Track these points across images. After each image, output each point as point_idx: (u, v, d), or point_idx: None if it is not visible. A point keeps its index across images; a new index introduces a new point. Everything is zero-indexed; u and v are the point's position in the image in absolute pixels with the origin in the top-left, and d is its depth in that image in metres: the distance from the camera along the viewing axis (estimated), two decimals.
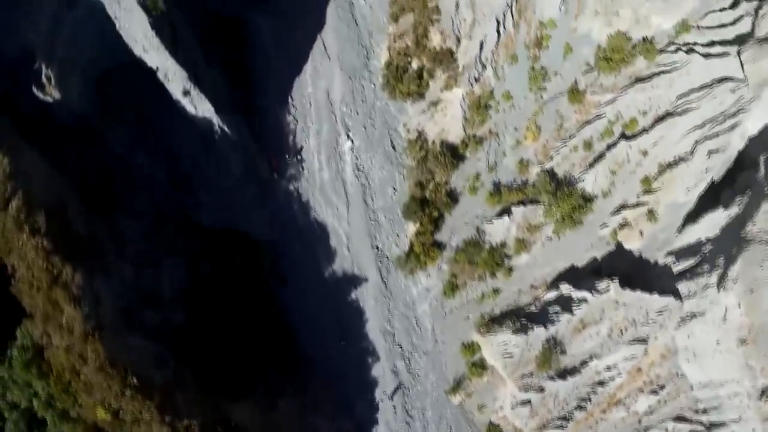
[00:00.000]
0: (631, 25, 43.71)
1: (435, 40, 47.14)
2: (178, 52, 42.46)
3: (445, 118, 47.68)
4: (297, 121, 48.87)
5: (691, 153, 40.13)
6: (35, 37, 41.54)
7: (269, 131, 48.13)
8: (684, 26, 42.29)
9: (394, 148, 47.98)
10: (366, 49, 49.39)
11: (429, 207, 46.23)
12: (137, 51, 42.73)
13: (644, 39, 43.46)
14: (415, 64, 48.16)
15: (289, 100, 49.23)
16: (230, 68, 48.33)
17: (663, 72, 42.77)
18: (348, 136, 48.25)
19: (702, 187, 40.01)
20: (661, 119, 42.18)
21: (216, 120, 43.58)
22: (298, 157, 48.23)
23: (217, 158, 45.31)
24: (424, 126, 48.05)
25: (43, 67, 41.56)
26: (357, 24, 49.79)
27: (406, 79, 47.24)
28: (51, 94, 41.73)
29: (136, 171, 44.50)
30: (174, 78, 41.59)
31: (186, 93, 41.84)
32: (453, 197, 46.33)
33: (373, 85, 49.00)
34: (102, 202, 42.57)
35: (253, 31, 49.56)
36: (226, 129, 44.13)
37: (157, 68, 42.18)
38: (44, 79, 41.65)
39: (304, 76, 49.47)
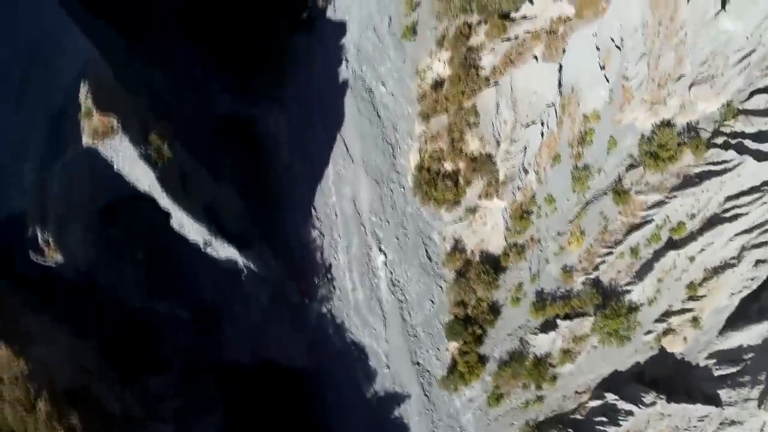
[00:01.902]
0: (676, 112, 40.83)
1: (472, 144, 43.89)
2: (190, 197, 38.53)
3: (484, 227, 44.73)
4: (323, 236, 45.71)
5: (738, 260, 38.12)
6: (21, 201, 37.37)
7: (294, 251, 45.29)
8: (730, 110, 39.63)
9: (429, 258, 45.07)
10: (391, 145, 45.78)
11: (472, 325, 43.89)
12: (143, 188, 38.80)
13: (689, 126, 40.57)
14: (448, 166, 44.59)
15: (313, 212, 46.08)
16: (246, 180, 44.42)
17: (713, 173, 40.20)
18: (380, 249, 45.24)
19: (746, 293, 38.24)
20: (709, 223, 39.78)
21: (240, 259, 40.27)
22: (329, 276, 45.26)
23: (243, 292, 42.16)
24: (462, 234, 45.20)
25: (39, 232, 38.30)
26: (379, 116, 46.03)
27: (440, 187, 43.98)
28: (52, 257, 38.46)
29: (156, 318, 41.38)
30: (191, 229, 37.83)
31: (206, 244, 38.19)
32: (495, 310, 44.19)
33: (402, 189, 45.60)
34: (126, 357, 39.51)
35: (266, 134, 45.47)
36: (251, 266, 40.87)
37: (170, 214, 38.27)
38: (42, 244, 38.36)
39: (326, 183, 46.07)
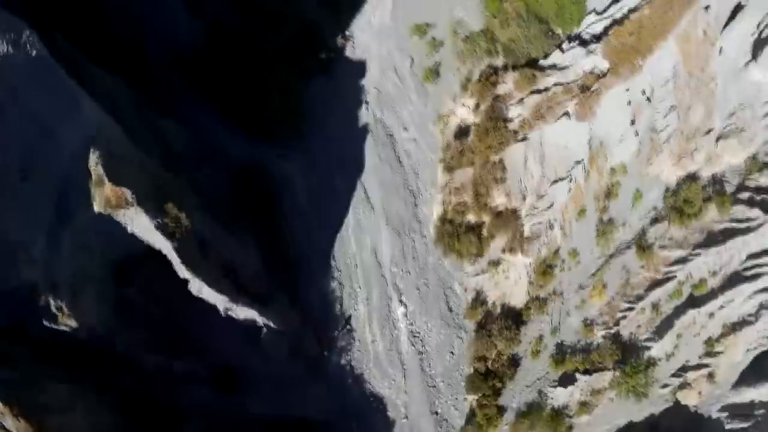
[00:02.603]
0: (702, 165, 40.88)
1: (498, 199, 43.26)
2: (209, 262, 37.51)
3: (507, 281, 44.63)
4: (343, 286, 45.06)
5: (756, 317, 38.59)
6: (30, 272, 36.08)
7: (313, 302, 44.41)
8: (755, 163, 40.04)
9: (450, 309, 44.89)
10: (413, 193, 45.02)
11: (492, 379, 44.00)
12: (158, 246, 37.39)
13: (714, 178, 40.71)
14: (472, 218, 43.96)
15: (332, 262, 45.46)
16: (263, 231, 43.24)
17: (737, 231, 40.57)
18: (401, 300, 44.83)
19: (761, 349, 38.86)
20: (729, 281, 39.77)
21: (261, 319, 39.48)
22: (348, 327, 44.55)
23: (262, 348, 41.43)
24: (483, 286, 45.09)
25: (51, 300, 37.26)
26: (401, 163, 45.16)
27: (463, 240, 43.39)
28: (66, 323, 37.62)
29: (175, 375, 40.33)
30: (210, 296, 36.83)
31: (226, 309, 37.20)
32: (515, 362, 44.25)
33: (424, 239, 45.12)
34: (145, 415, 38.68)
35: (283, 183, 44.27)
36: (270, 324, 40.01)
37: (188, 280, 37.06)
38: (55, 311, 37.25)
39: (346, 232, 45.38)
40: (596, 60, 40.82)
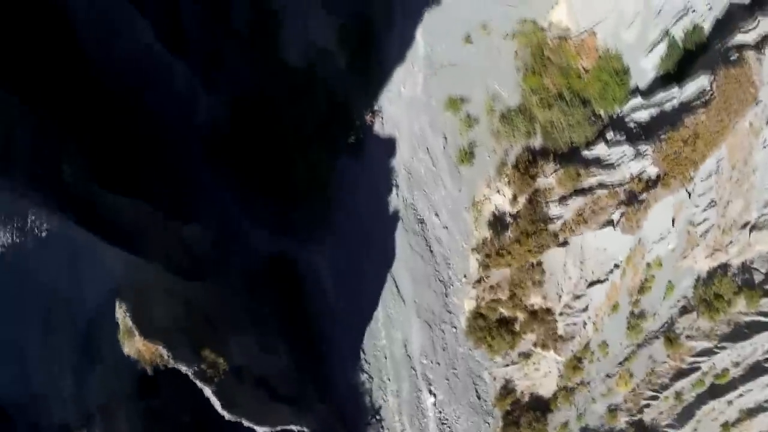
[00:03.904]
0: (734, 256, 41.08)
1: (534, 299, 42.28)
2: (244, 384, 36.12)
3: (537, 372, 44.76)
4: (372, 378, 44.60)
5: None
6: (60, 411, 34.89)
7: (342, 394, 43.66)
8: None
9: (479, 397, 44.73)
10: (444, 284, 44.02)
11: None
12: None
13: (744, 266, 41.33)
14: (505, 311, 43.23)
15: (361, 355, 44.29)
16: (290, 326, 41.45)
17: (763, 325, 41.57)
18: (430, 391, 44.60)
19: None
20: (751, 371, 41.05)
21: (296, 428, 38.71)
22: (377, 417, 44.07)
23: None
24: (513, 376, 45.27)
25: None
26: (432, 251, 43.84)
27: (496, 337, 42.80)
28: None
29: None
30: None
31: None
32: None
33: (454, 329, 44.57)
34: None
35: (310, 275, 42.10)
36: (304, 430, 39.45)
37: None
38: None
39: (375, 325, 44.60)
40: (645, 164, 38.76)
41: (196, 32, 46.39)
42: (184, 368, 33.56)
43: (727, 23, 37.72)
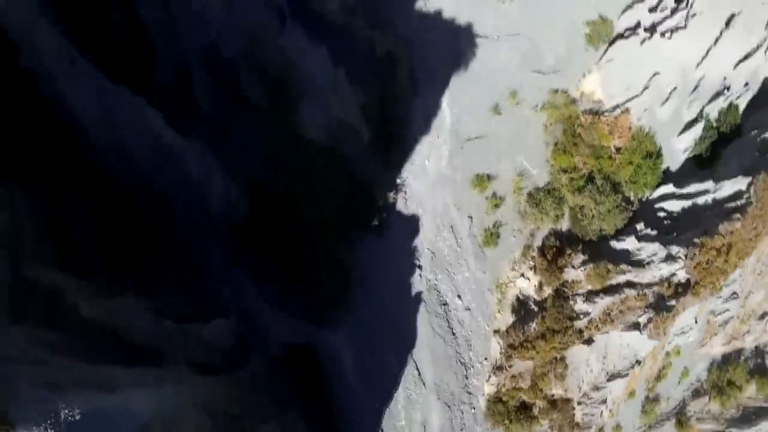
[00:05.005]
0: (749, 344, 41.89)
1: (555, 390, 42.12)
2: None
3: None
4: None
5: None
6: None
7: None
8: None
9: None
10: (465, 366, 43.64)
11: None
12: None
13: (757, 350, 42.13)
14: (525, 398, 43.06)
15: None
16: (311, 410, 40.72)
17: None
18: None
19: None
20: None
21: None
22: None
23: None
24: None
25: None
26: (454, 334, 43.10)
27: (515, 424, 42.60)
28: None
29: None
30: None
31: None
32: None
33: (473, 410, 44.18)
34: None
35: (330, 359, 41.18)
36: None
37: None
38: None
39: (395, 407, 44.14)
40: (676, 267, 37.81)
41: (208, 106, 45.06)
42: None
43: (763, 102, 37.27)
